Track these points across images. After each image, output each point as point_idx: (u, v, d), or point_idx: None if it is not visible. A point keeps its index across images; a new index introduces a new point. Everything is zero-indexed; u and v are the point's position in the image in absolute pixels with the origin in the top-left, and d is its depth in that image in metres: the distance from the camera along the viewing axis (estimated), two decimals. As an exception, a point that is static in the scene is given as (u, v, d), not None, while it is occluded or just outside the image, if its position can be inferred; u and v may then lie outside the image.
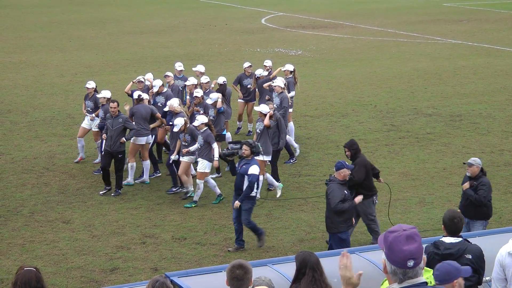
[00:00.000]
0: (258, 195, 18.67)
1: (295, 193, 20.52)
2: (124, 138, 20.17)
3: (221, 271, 11.06)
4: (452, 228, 10.34)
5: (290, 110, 24.44)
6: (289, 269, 10.40)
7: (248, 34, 48.82)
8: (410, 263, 5.27)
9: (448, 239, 10.29)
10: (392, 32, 49.87)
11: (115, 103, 20.40)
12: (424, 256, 5.54)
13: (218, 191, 19.88)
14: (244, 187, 16.92)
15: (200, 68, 24.78)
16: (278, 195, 20.17)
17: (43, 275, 15.22)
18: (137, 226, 18.28)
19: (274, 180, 20.48)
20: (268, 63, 25.92)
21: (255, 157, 18.04)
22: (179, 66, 25.00)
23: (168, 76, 24.05)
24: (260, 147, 18.37)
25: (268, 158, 20.26)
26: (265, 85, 23.93)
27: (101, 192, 20.24)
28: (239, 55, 41.14)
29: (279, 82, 22.88)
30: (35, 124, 26.95)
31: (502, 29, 51.26)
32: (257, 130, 20.34)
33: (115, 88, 25.83)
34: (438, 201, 19.97)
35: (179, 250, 16.97)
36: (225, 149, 19.78)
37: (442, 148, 24.37)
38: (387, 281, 5.63)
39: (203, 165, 19.60)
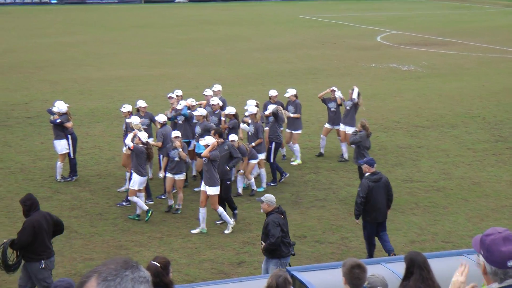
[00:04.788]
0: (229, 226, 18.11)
1: (407, 197, 20.26)
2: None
3: (337, 268, 11.00)
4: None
5: (299, 131, 23.43)
6: (401, 267, 10.27)
7: (364, 51, 48.54)
8: (510, 263, 5.17)
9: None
10: (499, 48, 48.77)
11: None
12: None
13: (144, 207, 18.83)
14: None
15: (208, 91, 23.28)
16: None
17: (178, 266, 15.54)
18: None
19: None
20: (290, 91, 23.49)
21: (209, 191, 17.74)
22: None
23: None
24: None
25: (216, 192, 18.03)
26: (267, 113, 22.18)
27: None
28: (356, 70, 41.00)
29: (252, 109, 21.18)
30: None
31: None
32: (204, 161, 18.26)
33: (243, 99, 25.99)
34: (543, 207, 19.39)
35: (299, 247, 16.94)
36: None
37: (548, 158, 23.67)
38: (485, 282, 5.52)
39: (133, 181, 18.85)
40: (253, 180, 20.83)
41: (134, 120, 20.06)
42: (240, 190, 20.69)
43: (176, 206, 19.37)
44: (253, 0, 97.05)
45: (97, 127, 28.15)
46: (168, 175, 19.25)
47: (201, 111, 20.85)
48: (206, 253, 16.71)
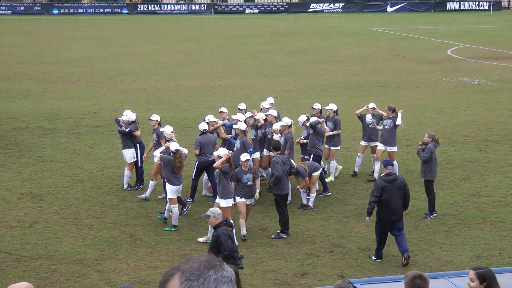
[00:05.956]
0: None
1: (474, 212, 19.99)
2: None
3: (401, 281, 10.92)
4: None
5: (338, 147, 22.91)
6: (465, 282, 10.11)
7: (435, 64, 48.12)
8: None
9: None
10: None
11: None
12: None
13: (174, 222, 18.83)
14: None
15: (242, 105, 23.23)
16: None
17: (242, 276, 15.55)
18: (326, 236, 18.31)
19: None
20: (330, 106, 23.13)
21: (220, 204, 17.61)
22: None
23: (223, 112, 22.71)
24: None
25: (229, 202, 18.01)
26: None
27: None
28: (425, 83, 40.65)
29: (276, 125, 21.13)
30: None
31: None
32: (216, 172, 18.56)
33: (310, 112, 25.97)
34: None
35: (364, 260, 16.87)
36: None
37: None
38: None
39: (167, 190, 18.95)
40: (315, 193, 20.80)
41: (167, 129, 20.22)
42: (304, 201, 20.69)
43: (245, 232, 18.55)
44: (323, 12, 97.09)
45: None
46: (242, 199, 18.34)
47: (240, 125, 20.78)
48: (269, 264, 16.72)
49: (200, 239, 18.04)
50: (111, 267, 16.37)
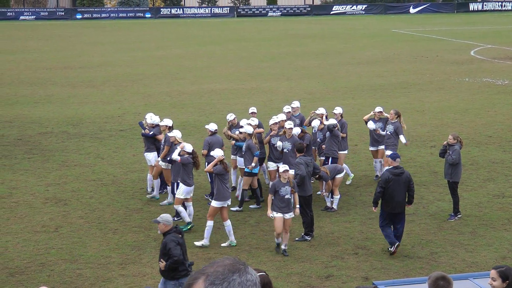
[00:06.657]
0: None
1: (499, 213, 19.86)
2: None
3: (425, 282, 10.87)
4: None
5: (345, 151, 22.54)
6: (487, 283, 10.05)
7: (458, 65, 47.92)
8: None
9: None
10: None
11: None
12: None
13: (187, 219, 19.01)
14: None
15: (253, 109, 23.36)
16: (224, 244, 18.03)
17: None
18: (350, 238, 18.27)
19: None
20: (338, 110, 22.85)
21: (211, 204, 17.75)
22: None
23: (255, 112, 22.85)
24: None
25: (221, 204, 17.94)
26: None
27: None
28: (448, 84, 40.49)
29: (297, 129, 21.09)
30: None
31: None
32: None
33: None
34: None
35: (388, 262, 16.81)
36: None
37: None
38: None
39: (179, 190, 18.99)
40: (339, 196, 20.73)
41: (177, 133, 20.27)
42: (328, 204, 20.66)
43: (283, 247, 17.71)
44: (345, 14, 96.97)
45: (187, 140, 28.35)
46: (278, 214, 17.56)
47: (246, 129, 20.80)
48: (294, 267, 16.70)
49: (223, 244, 18.06)
50: (135, 271, 16.41)
